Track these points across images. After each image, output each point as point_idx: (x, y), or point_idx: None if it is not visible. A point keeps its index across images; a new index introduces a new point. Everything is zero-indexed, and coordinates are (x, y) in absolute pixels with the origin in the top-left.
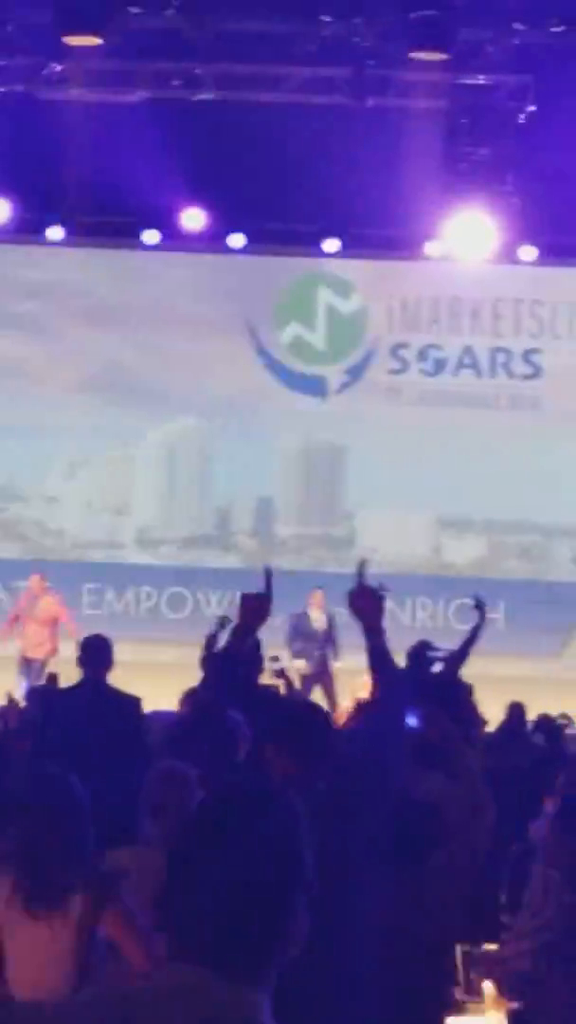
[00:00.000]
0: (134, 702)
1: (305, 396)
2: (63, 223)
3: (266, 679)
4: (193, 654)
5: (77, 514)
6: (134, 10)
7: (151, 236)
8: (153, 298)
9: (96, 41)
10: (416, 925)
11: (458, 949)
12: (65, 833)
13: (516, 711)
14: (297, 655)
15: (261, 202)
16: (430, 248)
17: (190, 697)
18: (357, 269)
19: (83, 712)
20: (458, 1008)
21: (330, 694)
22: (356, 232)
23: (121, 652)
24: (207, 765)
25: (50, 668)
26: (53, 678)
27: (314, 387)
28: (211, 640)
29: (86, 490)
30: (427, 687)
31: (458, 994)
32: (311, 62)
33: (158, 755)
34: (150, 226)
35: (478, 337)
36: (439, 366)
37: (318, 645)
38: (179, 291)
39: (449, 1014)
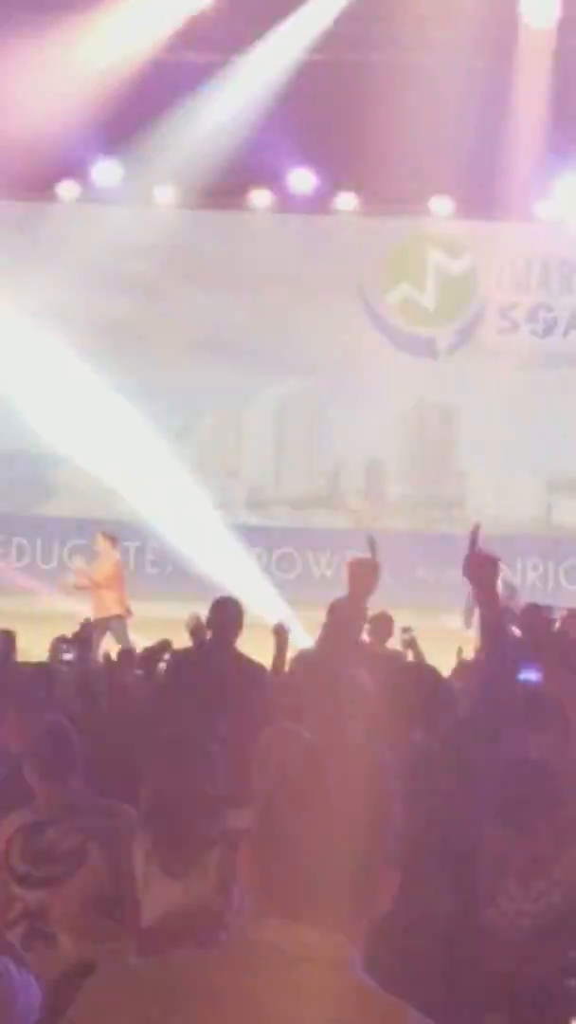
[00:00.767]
0: (259, 669)
1: (415, 357)
2: (173, 185)
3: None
4: (302, 615)
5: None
6: None
7: (261, 197)
8: (262, 260)
9: (207, 2)
10: None
11: None
12: (198, 789)
13: None
14: None
15: (370, 163)
16: (540, 209)
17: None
18: (466, 230)
19: (210, 675)
20: None
21: None
22: (465, 193)
23: None
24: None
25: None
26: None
27: (423, 347)
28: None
29: (196, 452)
30: (545, 645)
31: None
32: (422, 23)
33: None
34: (260, 187)
35: None
36: (549, 327)
37: None
38: (288, 252)
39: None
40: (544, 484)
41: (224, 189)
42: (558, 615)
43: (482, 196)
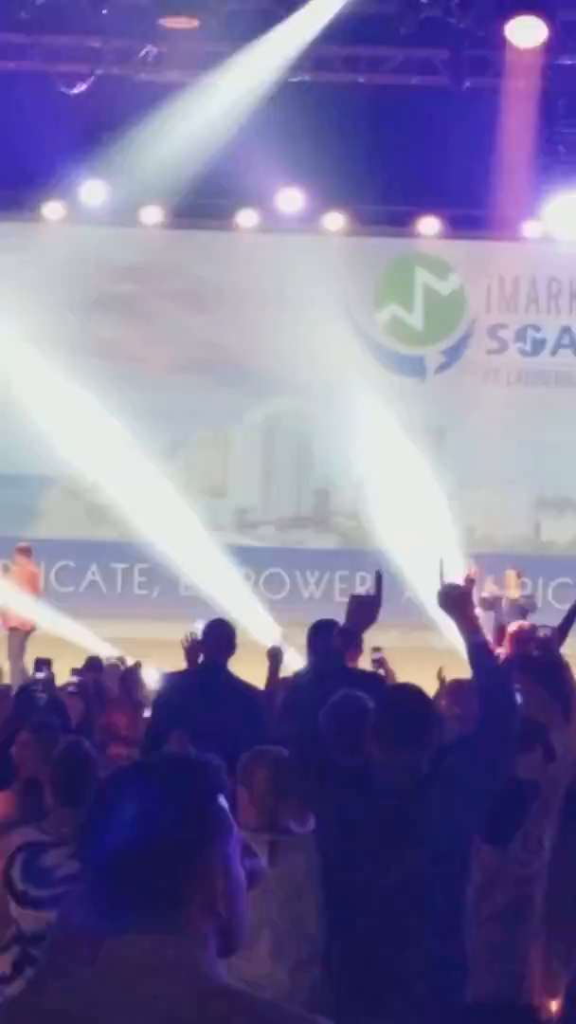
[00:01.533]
0: (255, 693)
1: (403, 377)
2: (160, 205)
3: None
4: (291, 635)
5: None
6: None
7: (248, 217)
8: (250, 279)
9: (193, 24)
10: None
11: None
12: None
13: None
14: None
15: (358, 183)
16: (528, 229)
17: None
18: (455, 250)
19: (204, 696)
20: None
21: None
22: (454, 213)
23: None
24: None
25: None
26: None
27: (412, 368)
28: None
29: (183, 472)
30: (527, 664)
31: None
32: (408, 43)
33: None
34: (247, 207)
35: None
36: (537, 346)
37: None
38: (276, 272)
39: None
40: (533, 503)
41: (211, 209)
42: (541, 633)
43: (470, 216)
